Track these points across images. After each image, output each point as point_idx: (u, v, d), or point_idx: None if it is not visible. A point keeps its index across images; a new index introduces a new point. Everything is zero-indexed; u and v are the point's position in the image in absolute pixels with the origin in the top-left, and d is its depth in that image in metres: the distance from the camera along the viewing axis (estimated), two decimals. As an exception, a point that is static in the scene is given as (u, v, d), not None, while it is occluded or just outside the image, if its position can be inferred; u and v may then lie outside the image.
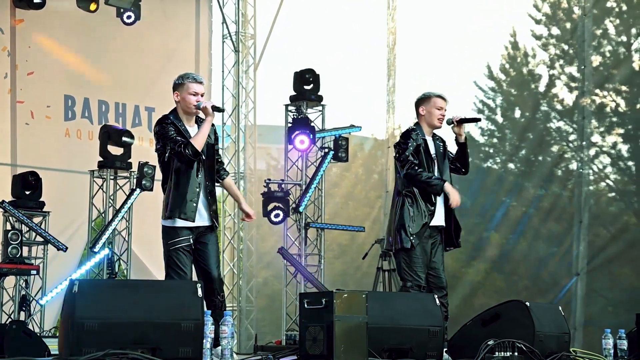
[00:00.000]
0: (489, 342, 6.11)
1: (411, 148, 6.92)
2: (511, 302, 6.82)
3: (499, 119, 14.05)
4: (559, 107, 12.54)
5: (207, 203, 6.19)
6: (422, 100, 7.07)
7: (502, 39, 13.77)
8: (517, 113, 13.76)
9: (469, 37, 13.05)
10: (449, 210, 7.05)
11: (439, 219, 7.03)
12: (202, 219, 6.19)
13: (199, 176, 6.15)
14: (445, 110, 7.02)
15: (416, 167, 6.87)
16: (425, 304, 6.24)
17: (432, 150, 7.02)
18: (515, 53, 14.02)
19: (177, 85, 6.28)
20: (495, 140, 14.01)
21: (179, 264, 6.09)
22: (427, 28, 13.41)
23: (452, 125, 7.00)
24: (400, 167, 6.96)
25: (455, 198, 6.91)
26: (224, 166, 6.66)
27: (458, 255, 13.43)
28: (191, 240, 6.15)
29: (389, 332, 6.00)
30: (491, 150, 14.05)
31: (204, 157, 6.19)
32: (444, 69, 13.20)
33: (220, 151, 6.69)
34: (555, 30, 12.86)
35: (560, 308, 7.30)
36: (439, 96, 7.03)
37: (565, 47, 12.55)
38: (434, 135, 7.12)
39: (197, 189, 6.12)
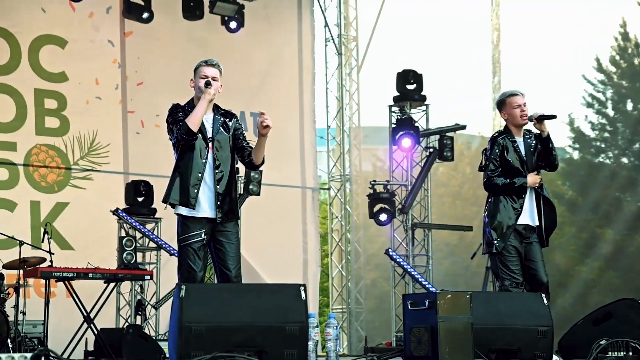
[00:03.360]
0: (601, 342, 5.97)
1: (494, 156, 6.84)
2: (623, 300, 6.63)
3: (610, 112, 13.71)
4: (673, 98, 12.16)
5: (213, 195, 5.84)
6: (500, 105, 6.97)
7: (612, 30, 13.44)
8: (630, 105, 13.40)
9: (575, 30, 12.79)
10: (540, 208, 6.88)
11: (527, 218, 6.83)
12: (206, 212, 5.84)
13: (204, 163, 5.83)
14: (525, 104, 6.86)
15: (492, 178, 6.80)
16: (532, 304, 6.13)
17: (523, 150, 6.88)
18: (626, 44, 13.66)
19: (194, 72, 6.04)
20: (606, 134, 13.69)
21: (189, 262, 5.77)
22: (532, 23, 13.20)
23: (533, 122, 6.85)
24: (489, 183, 6.91)
25: (531, 181, 6.75)
26: (250, 147, 6.06)
27: (571, 253, 13.19)
28: (203, 235, 5.82)
29: (496, 333, 5.92)
30: (603, 145, 13.74)
31: (209, 144, 5.86)
32: (551, 64, 12.97)
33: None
34: (668, 19, 12.48)
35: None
36: (513, 94, 6.89)
37: (680, 36, 12.16)
38: (525, 133, 6.97)
39: (201, 175, 5.82)
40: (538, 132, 6.84)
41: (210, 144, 5.89)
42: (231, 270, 5.84)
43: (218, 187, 5.84)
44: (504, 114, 6.90)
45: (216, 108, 6.02)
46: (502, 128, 7.03)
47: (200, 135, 5.83)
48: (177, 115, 5.89)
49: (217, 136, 5.91)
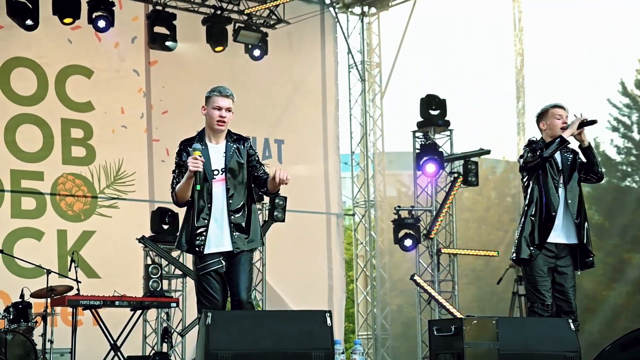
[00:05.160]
0: (629, 368, 5.91)
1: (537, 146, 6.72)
2: (652, 326, 6.56)
3: (636, 136, 13.65)
4: (699, 121, 12.08)
5: (228, 228, 5.75)
6: (541, 116, 6.86)
7: (636, 53, 13.39)
8: (656, 129, 13.33)
9: (599, 54, 12.75)
10: (579, 227, 6.77)
11: (561, 236, 6.73)
12: (223, 246, 5.74)
13: (211, 204, 5.71)
14: (567, 117, 6.75)
15: (536, 152, 6.64)
16: (559, 329, 6.07)
17: (560, 162, 6.78)
18: (651, 67, 13.60)
19: (205, 99, 5.96)
20: (633, 158, 13.61)
21: (209, 290, 5.70)
22: (556, 47, 13.18)
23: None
24: (527, 166, 6.71)
25: (574, 125, 6.54)
26: (266, 175, 5.90)
27: (598, 277, 13.07)
28: (222, 262, 5.74)
29: (523, 359, 5.87)
30: (629, 169, 13.66)
31: (216, 176, 5.74)
32: (575, 88, 12.92)
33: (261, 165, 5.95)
34: (692, 41, 12.43)
35: None
36: (556, 106, 6.80)
37: None
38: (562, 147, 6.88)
39: (206, 220, 5.72)
40: (577, 144, 6.74)
41: (223, 175, 5.78)
42: (241, 294, 5.71)
43: (233, 217, 5.76)
44: (543, 124, 6.78)
45: (229, 135, 5.92)
46: (536, 138, 6.87)
47: (203, 175, 5.68)
48: (177, 164, 5.84)
49: (231, 164, 5.80)
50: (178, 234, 5.88)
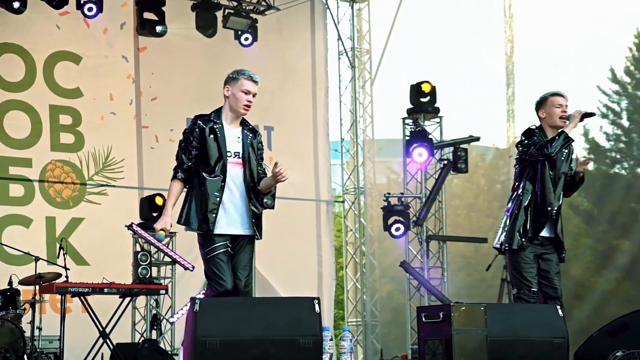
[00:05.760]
0: (617, 354, 5.94)
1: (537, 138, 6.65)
2: (640, 311, 6.59)
3: (625, 123, 13.69)
4: (688, 108, 12.12)
5: (236, 212, 5.77)
6: (540, 104, 6.74)
7: (626, 40, 13.42)
8: (645, 116, 13.36)
9: (589, 41, 12.77)
10: (556, 222, 6.76)
11: (549, 230, 6.74)
12: (238, 228, 5.77)
13: (225, 183, 5.70)
14: (566, 106, 6.65)
15: (542, 149, 6.57)
16: (547, 315, 6.09)
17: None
18: (640, 54, 13.62)
19: (230, 80, 5.81)
20: (622, 145, 13.66)
21: (219, 273, 5.64)
22: (546, 34, 13.20)
23: (577, 171, 6.69)
24: (528, 158, 6.64)
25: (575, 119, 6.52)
26: (263, 174, 5.97)
27: (587, 264, 13.13)
28: (228, 244, 5.72)
29: (511, 345, 5.87)
30: (618, 156, 13.70)
31: (225, 164, 5.72)
32: (565, 75, 12.95)
33: (261, 162, 5.99)
34: (682, 28, 12.45)
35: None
36: (556, 94, 6.68)
37: (694, 46, 12.12)
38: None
39: (218, 198, 5.69)
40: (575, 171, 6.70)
41: (240, 160, 5.79)
42: (241, 280, 5.73)
43: (252, 203, 5.77)
44: (542, 112, 6.67)
45: (244, 123, 5.92)
46: (535, 128, 6.74)
47: (217, 152, 5.73)
48: (186, 143, 5.78)
49: (246, 153, 5.81)
50: (185, 209, 5.76)
